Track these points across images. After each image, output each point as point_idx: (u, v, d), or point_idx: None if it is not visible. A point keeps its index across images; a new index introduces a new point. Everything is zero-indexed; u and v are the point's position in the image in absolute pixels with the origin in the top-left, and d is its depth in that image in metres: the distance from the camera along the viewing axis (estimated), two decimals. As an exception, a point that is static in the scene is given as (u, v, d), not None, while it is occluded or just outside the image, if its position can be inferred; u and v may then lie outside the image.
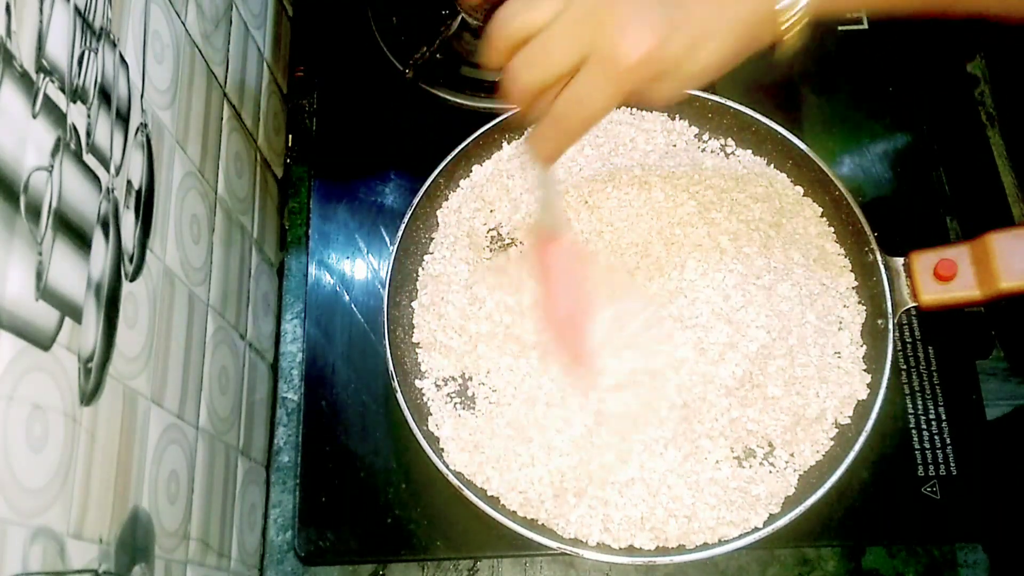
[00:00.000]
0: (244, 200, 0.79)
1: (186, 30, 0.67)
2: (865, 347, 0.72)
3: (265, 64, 0.88)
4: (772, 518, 0.67)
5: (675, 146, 0.80)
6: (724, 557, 0.74)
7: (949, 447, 0.76)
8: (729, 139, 0.80)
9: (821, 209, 0.77)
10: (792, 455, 0.69)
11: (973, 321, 0.83)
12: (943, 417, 0.77)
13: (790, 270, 0.73)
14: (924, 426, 0.77)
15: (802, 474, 0.69)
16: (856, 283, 0.74)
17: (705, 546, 0.66)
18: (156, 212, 0.60)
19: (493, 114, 0.81)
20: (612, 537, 0.67)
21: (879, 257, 0.72)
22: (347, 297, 0.83)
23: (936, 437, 0.76)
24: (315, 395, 0.80)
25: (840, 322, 0.72)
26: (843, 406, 0.70)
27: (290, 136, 0.93)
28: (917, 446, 0.76)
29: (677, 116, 0.81)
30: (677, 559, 0.66)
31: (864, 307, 0.73)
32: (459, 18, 0.89)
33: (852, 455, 0.66)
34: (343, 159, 0.89)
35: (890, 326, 0.70)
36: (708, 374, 0.69)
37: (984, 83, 0.90)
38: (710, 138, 0.80)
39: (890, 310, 0.70)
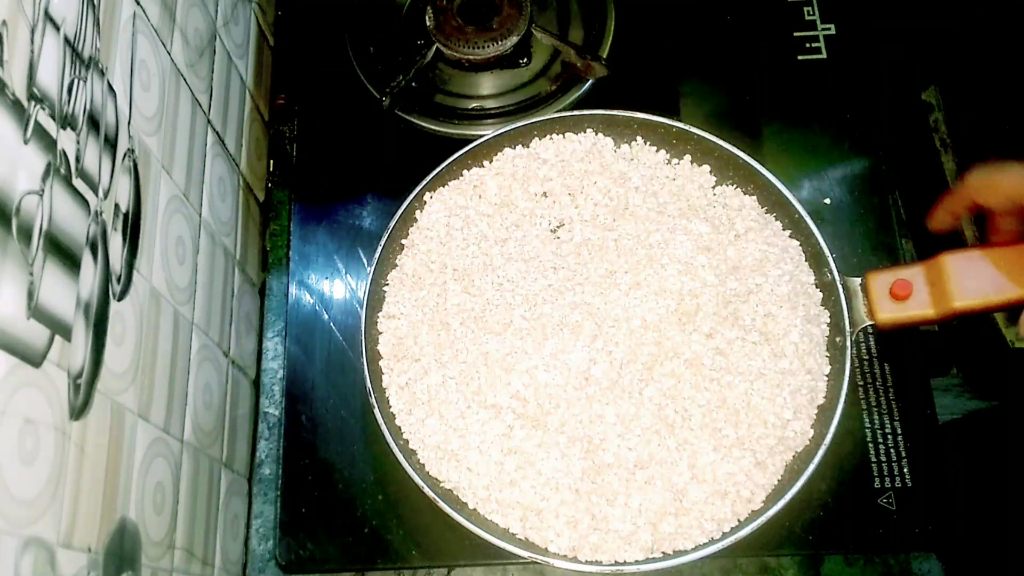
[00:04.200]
0: (227, 223, 0.80)
1: (172, 60, 0.68)
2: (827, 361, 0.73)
3: (248, 92, 0.88)
4: (733, 529, 0.68)
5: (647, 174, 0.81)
6: (688, 565, 0.75)
7: (904, 460, 0.77)
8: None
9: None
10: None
11: (929, 339, 0.85)
12: (899, 431, 0.78)
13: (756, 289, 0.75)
14: (880, 440, 0.78)
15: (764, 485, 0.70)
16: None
17: (671, 555, 0.67)
18: (143, 234, 0.61)
19: (465, 140, 0.82)
20: (583, 548, 0.67)
21: (837, 277, 0.73)
22: (326, 316, 0.84)
23: (892, 450, 0.77)
24: (296, 410, 0.80)
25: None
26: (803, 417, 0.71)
27: (272, 161, 0.94)
28: (873, 459, 0.77)
29: (645, 142, 0.82)
30: (644, 568, 0.67)
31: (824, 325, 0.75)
32: (434, 48, 0.90)
33: (813, 464, 0.68)
34: (323, 183, 0.90)
35: (848, 343, 0.71)
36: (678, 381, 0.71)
37: (938, 110, 0.91)
38: (678, 163, 0.82)
39: (847, 328, 0.71)
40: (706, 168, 0.81)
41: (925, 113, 0.92)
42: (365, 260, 0.86)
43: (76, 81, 0.52)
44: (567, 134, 0.83)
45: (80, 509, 0.50)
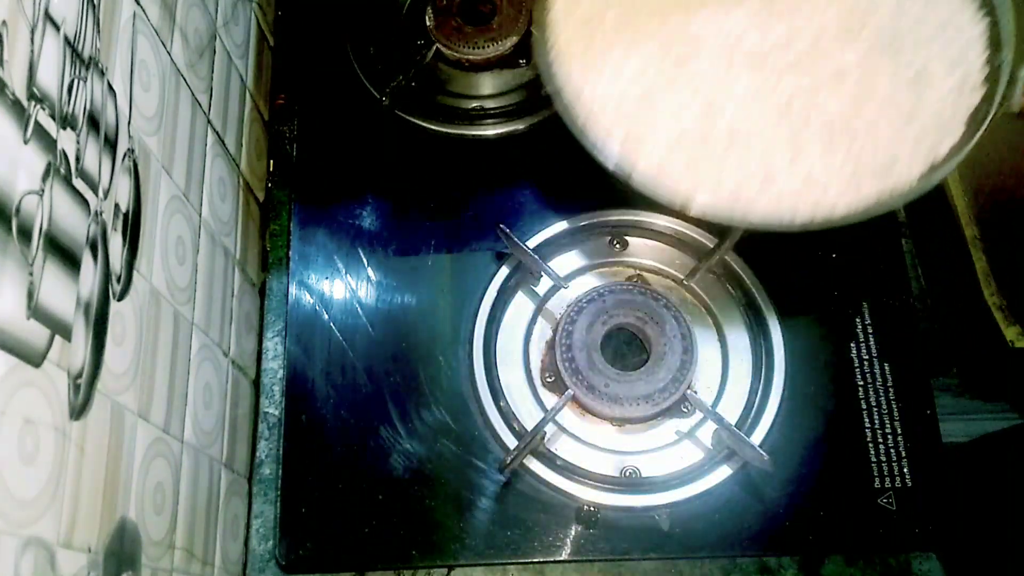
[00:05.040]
0: (227, 223, 0.80)
1: (172, 60, 0.68)
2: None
3: (247, 92, 0.89)
4: (804, 223, 0.69)
5: None
6: (688, 564, 0.76)
7: (904, 460, 0.77)
8: None
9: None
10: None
11: (930, 339, 0.85)
12: (899, 431, 0.78)
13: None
14: (880, 440, 0.78)
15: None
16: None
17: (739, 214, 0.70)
18: (143, 234, 0.61)
19: (465, 140, 0.83)
20: (666, 176, 0.71)
21: (1008, 60, 0.72)
22: (326, 316, 0.84)
23: (892, 450, 0.78)
24: (296, 410, 0.81)
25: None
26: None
27: (271, 161, 0.94)
28: (873, 459, 0.77)
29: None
30: (709, 211, 0.71)
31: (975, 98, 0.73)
32: (434, 48, 0.90)
33: (902, 200, 0.70)
34: (322, 183, 0.90)
35: (988, 118, 0.70)
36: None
37: None
38: None
39: (996, 103, 0.71)
40: None
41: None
42: (365, 260, 0.86)
43: (76, 81, 0.52)
44: None
45: (80, 509, 0.50)
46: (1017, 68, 0.70)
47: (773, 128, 0.71)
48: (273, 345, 0.87)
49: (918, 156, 0.71)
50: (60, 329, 0.48)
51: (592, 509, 0.76)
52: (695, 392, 0.80)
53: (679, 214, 0.84)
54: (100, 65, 0.55)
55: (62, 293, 0.49)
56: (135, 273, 0.59)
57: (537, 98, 0.91)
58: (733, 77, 0.72)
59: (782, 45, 0.73)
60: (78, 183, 0.51)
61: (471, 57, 0.91)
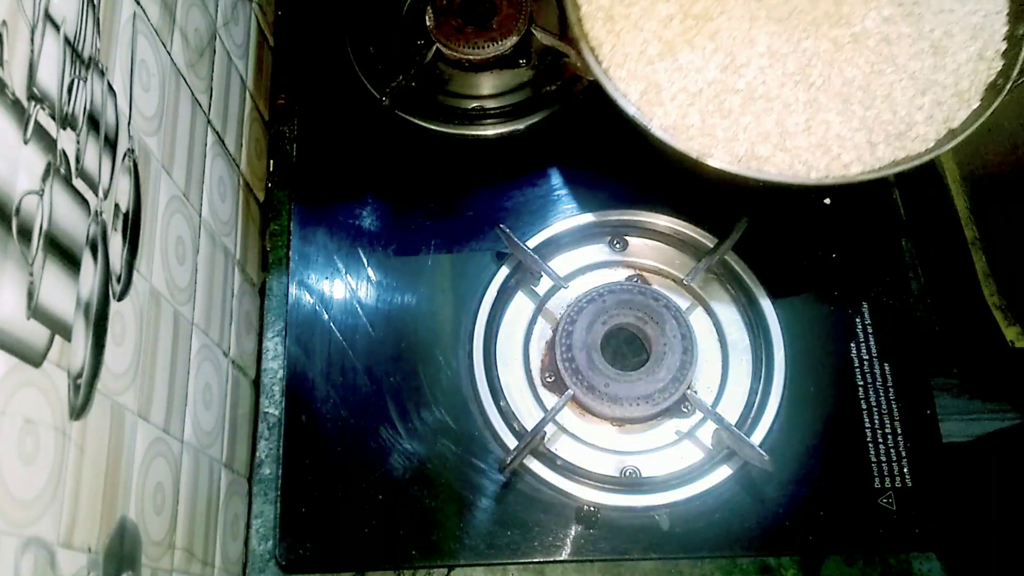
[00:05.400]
0: (227, 223, 0.80)
1: (172, 60, 0.68)
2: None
3: (247, 92, 0.89)
4: (819, 180, 0.71)
5: None
6: (688, 564, 0.76)
7: (904, 460, 0.77)
8: None
9: None
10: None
11: (929, 339, 0.85)
12: (899, 431, 0.78)
13: None
14: (880, 440, 0.78)
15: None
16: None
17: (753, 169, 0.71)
18: (143, 234, 0.61)
19: (466, 140, 0.83)
20: (682, 132, 0.72)
21: None
22: (326, 316, 0.84)
23: (892, 451, 0.78)
24: (296, 410, 0.80)
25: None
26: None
27: (271, 161, 0.94)
28: (873, 459, 0.77)
29: None
30: (726, 167, 0.71)
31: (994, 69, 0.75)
32: (434, 48, 0.90)
33: (915, 164, 0.71)
34: (322, 183, 0.90)
35: (1006, 89, 0.72)
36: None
37: None
38: None
39: (1015, 74, 0.72)
40: None
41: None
42: (365, 260, 0.86)
43: (76, 81, 0.52)
44: None
45: (80, 509, 0.50)
46: None
47: (791, 90, 0.72)
48: (273, 345, 0.87)
49: (933, 124, 0.72)
50: (60, 329, 0.48)
51: (592, 509, 0.76)
52: (695, 392, 0.80)
53: (679, 214, 0.85)
54: (100, 65, 0.55)
55: (62, 293, 0.49)
56: (135, 273, 0.59)
57: (537, 98, 0.91)
58: (755, 36, 0.72)
59: (805, 6, 0.73)
60: (78, 183, 0.51)
61: (471, 57, 0.91)
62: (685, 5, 0.73)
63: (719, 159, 0.71)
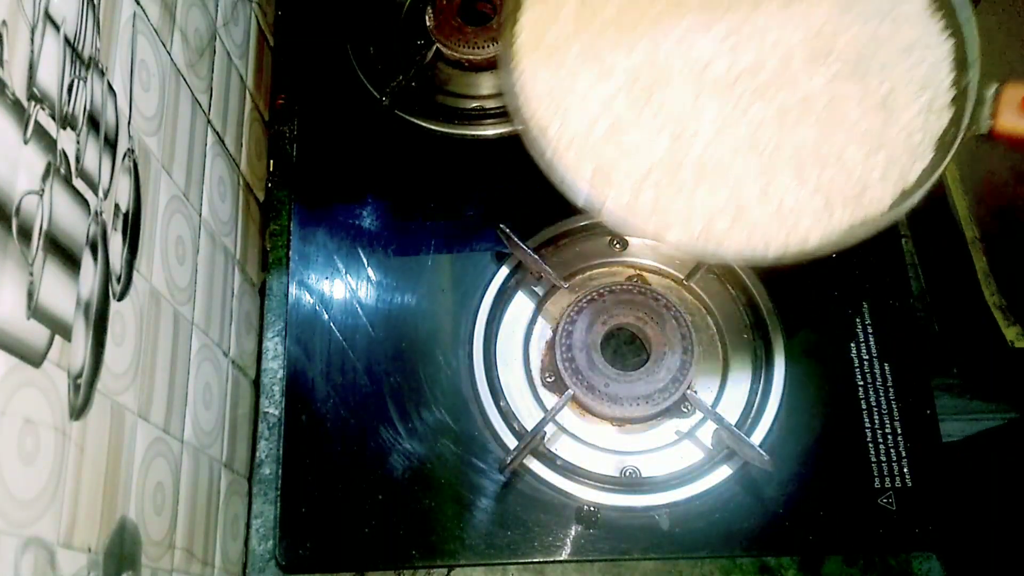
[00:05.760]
0: (227, 223, 0.80)
1: (172, 60, 0.68)
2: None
3: (247, 92, 0.89)
4: (778, 254, 0.68)
5: None
6: (688, 564, 0.76)
7: (904, 460, 0.77)
8: None
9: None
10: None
11: (929, 339, 0.85)
12: (899, 431, 0.78)
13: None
14: (880, 440, 0.78)
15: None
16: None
17: (711, 249, 0.68)
18: (143, 234, 0.61)
19: (466, 140, 0.83)
20: (637, 215, 0.69)
21: (975, 81, 0.70)
22: (326, 316, 0.84)
23: (892, 451, 0.78)
24: (296, 410, 0.81)
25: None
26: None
27: (271, 161, 0.94)
28: (873, 459, 0.78)
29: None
30: (684, 246, 0.68)
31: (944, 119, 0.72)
32: (434, 48, 0.90)
33: (875, 229, 0.67)
34: (322, 183, 0.90)
35: (957, 141, 0.69)
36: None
37: None
38: None
39: (964, 124, 0.69)
40: None
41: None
42: (365, 260, 0.86)
43: (76, 81, 0.52)
44: None
45: (80, 509, 0.50)
46: (984, 89, 0.69)
47: (743, 158, 0.70)
48: (273, 345, 0.87)
49: (889, 182, 0.69)
50: (60, 329, 0.48)
51: (592, 509, 0.76)
52: (695, 392, 0.80)
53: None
54: (100, 65, 0.55)
55: (62, 293, 0.49)
56: (135, 273, 0.59)
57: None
58: (701, 106, 0.70)
59: (750, 72, 0.71)
60: (78, 183, 0.52)
61: (471, 57, 0.91)
62: (628, 81, 0.71)
63: (675, 241, 0.68)
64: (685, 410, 0.80)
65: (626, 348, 0.82)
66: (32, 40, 0.47)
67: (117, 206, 0.57)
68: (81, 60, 0.53)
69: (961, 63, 0.72)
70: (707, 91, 0.71)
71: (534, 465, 0.77)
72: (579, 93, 0.71)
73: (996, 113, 0.69)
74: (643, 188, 0.69)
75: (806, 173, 0.69)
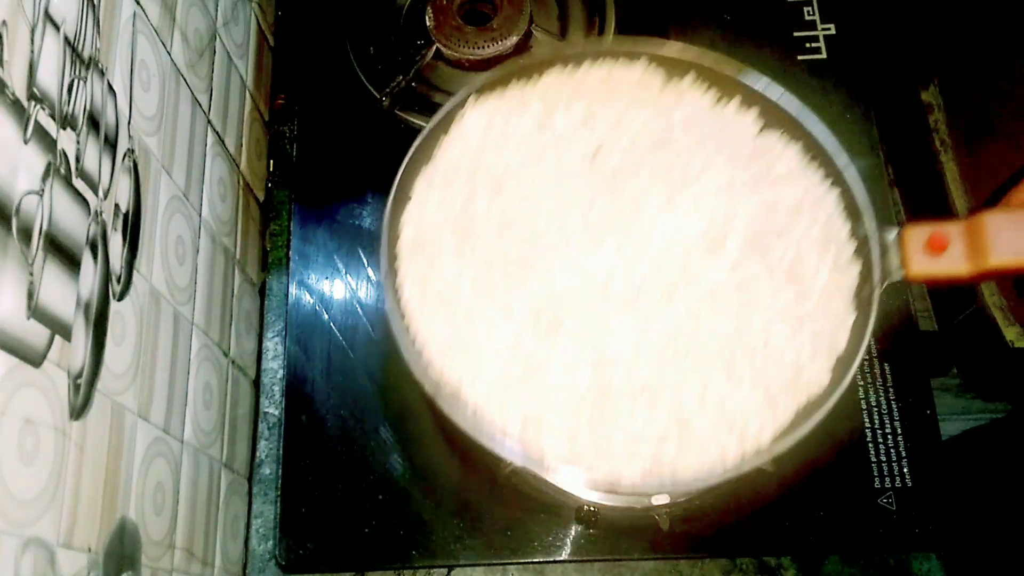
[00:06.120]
0: (227, 223, 0.80)
1: (172, 60, 0.68)
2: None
3: (248, 92, 0.89)
4: (735, 464, 0.64)
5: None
6: (688, 564, 0.76)
7: (904, 460, 0.77)
8: None
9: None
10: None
11: (929, 339, 0.85)
12: (899, 431, 0.78)
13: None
14: (880, 440, 0.78)
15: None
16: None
17: (670, 482, 0.64)
18: (143, 234, 0.61)
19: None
20: (581, 461, 0.64)
21: (873, 229, 0.68)
22: (326, 316, 0.84)
23: (892, 451, 0.78)
24: (296, 410, 0.81)
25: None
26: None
27: (271, 161, 0.94)
28: (873, 459, 0.77)
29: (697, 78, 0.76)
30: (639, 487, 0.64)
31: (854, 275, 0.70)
32: (434, 48, 0.90)
33: (824, 411, 0.64)
34: (322, 183, 0.90)
35: (875, 295, 0.67)
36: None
37: (938, 111, 0.91)
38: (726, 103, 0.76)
39: (877, 278, 0.67)
40: (754, 112, 0.75)
41: (925, 113, 0.92)
42: (365, 260, 0.86)
43: (76, 81, 0.52)
44: (620, 59, 0.77)
45: (80, 509, 0.50)
46: (884, 235, 0.67)
47: (670, 369, 0.66)
48: (273, 345, 0.87)
49: (820, 358, 0.67)
50: (60, 329, 0.49)
51: (592, 509, 0.76)
52: (695, 392, 0.80)
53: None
54: (100, 65, 0.55)
55: (62, 293, 0.49)
56: (135, 273, 0.59)
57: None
58: (613, 325, 0.67)
59: (651, 278, 0.68)
60: (78, 183, 0.52)
61: (471, 57, 0.91)
62: (532, 317, 0.67)
63: (631, 483, 0.63)
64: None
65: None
66: (32, 40, 0.47)
67: (117, 206, 0.57)
68: (81, 60, 0.53)
69: (852, 210, 0.70)
70: (615, 308, 0.67)
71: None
72: (483, 336, 0.66)
73: (905, 260, 0.67)
74: (579, 426, 0.64)
75: (738, 368, 0.66)
